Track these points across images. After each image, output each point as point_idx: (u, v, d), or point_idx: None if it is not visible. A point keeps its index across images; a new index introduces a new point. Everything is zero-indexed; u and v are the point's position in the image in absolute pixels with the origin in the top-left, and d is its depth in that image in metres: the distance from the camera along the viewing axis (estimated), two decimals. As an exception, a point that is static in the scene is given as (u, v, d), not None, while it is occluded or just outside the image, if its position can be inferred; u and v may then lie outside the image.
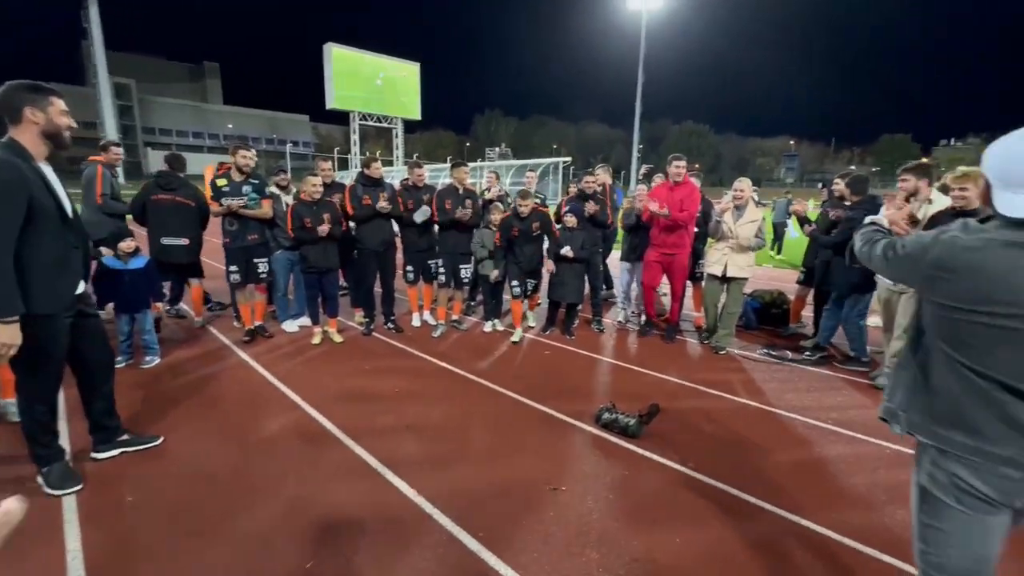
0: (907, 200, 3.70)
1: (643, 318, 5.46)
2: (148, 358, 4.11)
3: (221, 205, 4.45)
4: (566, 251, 4.98)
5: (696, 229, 5.13)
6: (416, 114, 38.56)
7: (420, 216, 4.95)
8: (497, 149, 51.72)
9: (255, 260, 4.72)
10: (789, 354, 4.73)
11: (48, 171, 2.28)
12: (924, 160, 3.99)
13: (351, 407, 3.50)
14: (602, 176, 5.72)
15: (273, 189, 4.94)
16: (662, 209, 4.61)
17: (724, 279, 4.74)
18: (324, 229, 4.44)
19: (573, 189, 5.68)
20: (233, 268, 4.62)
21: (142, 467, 2.72)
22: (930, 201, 3.59)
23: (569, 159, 15.29)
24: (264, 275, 4.81)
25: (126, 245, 3.98)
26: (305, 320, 5.20)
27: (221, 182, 4.48)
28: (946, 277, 1.24)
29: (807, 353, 4.71)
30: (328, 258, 4.64)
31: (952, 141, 76.62)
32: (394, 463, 2.79)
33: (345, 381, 3.97)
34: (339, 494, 2.52)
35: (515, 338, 5.02)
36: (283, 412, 3.42)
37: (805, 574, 2.07)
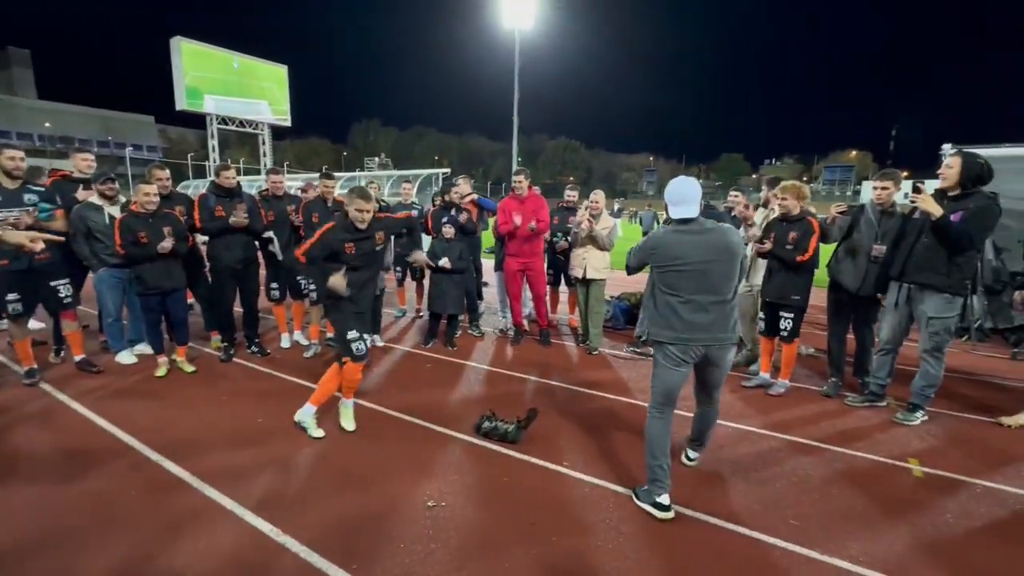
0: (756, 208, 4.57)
1: (513, 329, 5.57)
2: None
3: None
4: (444, 262, 4.96)
5: (571, 237, 5.44)
6: (286, 116, 35.59)
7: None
8: (377, 159, 50.02)
9: (52, 283, 3.95)
10: (651, 350, 5.18)
11: None
12: (777, 176, 4.69)
13: (203, 446, 3.10)
14: (464, 186, 5.68)
15: (95, 199, 4.23)
16: (528, 224, 4.88)
17: (585, 281, 5.07)
18: (167, 246, 3.90)
19: (439, 200, 5.70)
20: (12, 296, 3.78)
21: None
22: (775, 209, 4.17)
23: (448, 170, 15.28)
24: (68, 299, 4.06)
25: None
26: (145, 347, 4.52)
27: None
28: (656, 253, 2.53)
29: None
30: (171, 276, 4.07)
31: (774, 161, 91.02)
32: (254, 503, 2.52)
33: (197, 416, 3.51)
34: (189, 546, 2.20)
35: (345, 423, 3.37)
36: (116, 460, 2.92)
37: (679, 550, 2.25)
